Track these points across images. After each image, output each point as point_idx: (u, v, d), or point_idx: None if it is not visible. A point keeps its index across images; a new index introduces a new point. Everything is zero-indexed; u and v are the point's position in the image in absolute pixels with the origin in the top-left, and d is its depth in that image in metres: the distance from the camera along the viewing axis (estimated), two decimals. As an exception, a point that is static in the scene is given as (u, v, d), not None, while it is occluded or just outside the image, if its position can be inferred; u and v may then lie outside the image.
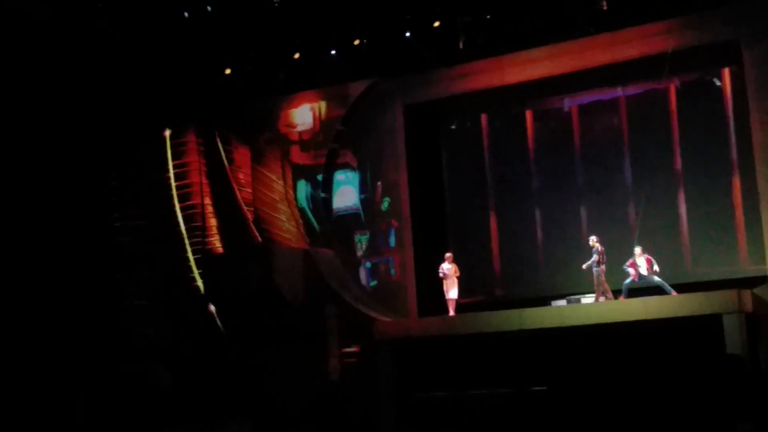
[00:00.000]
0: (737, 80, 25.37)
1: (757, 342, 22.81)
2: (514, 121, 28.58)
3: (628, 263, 24.23)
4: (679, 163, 26.17)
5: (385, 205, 28.74)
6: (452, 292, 26.25)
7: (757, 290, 23.35)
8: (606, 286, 24.60)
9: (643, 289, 24.44)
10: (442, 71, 27.94)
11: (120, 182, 31.33)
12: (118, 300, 31.13)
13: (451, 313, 26.25)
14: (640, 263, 24.07)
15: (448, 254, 26.53)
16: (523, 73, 26.94)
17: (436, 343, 25.98)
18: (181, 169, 30.70)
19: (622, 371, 23.35)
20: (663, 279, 24.01)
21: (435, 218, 29.01)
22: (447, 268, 26.22)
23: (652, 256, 24.14)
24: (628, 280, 24.26)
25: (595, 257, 24.51)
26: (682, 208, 26.04)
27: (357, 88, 28.81)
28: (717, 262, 25.38)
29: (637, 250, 24.21)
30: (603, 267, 24.57)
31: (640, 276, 24.09)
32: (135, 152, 31.19)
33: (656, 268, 23.93)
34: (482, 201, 28.72)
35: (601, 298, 24.58)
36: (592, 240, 24.73)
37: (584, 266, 24.72)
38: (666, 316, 23.07)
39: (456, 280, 26.27)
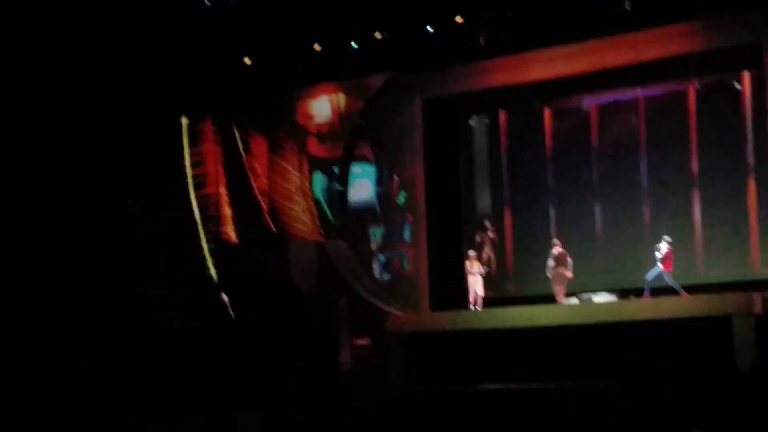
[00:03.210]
0: (757, 83, 25.27)
1: (766, 344, 22.68)
2: (532, 118, 28.60)
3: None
4: (695, 165, 26.17)
5: (401, 199, 28.76)
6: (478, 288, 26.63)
7: (768, 294, 23.33)
8: (559, 289, 25.35)
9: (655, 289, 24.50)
10: (462, 67, 27.92)
11: (135, 168, 31.32)
12: (133, 287, 31.15)
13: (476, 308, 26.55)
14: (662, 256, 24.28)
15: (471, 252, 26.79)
16: (543, 71, 26.90)
17: (448, 338, 26.05)
18: (196, 157, 30.70)
19: (630, 370, 23.34)
20: (675, 280, 24.16)
21: (450, 213, 29.02)
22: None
23: (663, 256, 24.30)
24: (652, 277, 24.41)
25: (551, 262, 25.33)
26: (696, 210, 26.05)
27: (376, 81, 28.80)
28: (729, 265, 25.37)
29: (664, 243, 24.39)
30: (561, 269, 25.36)
31: (655, 276, 24.16)
32: (151, 139, 31.19)
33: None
34: (498, 197, 28.70)
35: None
36: (553, 242, 25.74)
37: (568, 274, 25.49)
38: (676, 317, 23.07)
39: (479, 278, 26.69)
